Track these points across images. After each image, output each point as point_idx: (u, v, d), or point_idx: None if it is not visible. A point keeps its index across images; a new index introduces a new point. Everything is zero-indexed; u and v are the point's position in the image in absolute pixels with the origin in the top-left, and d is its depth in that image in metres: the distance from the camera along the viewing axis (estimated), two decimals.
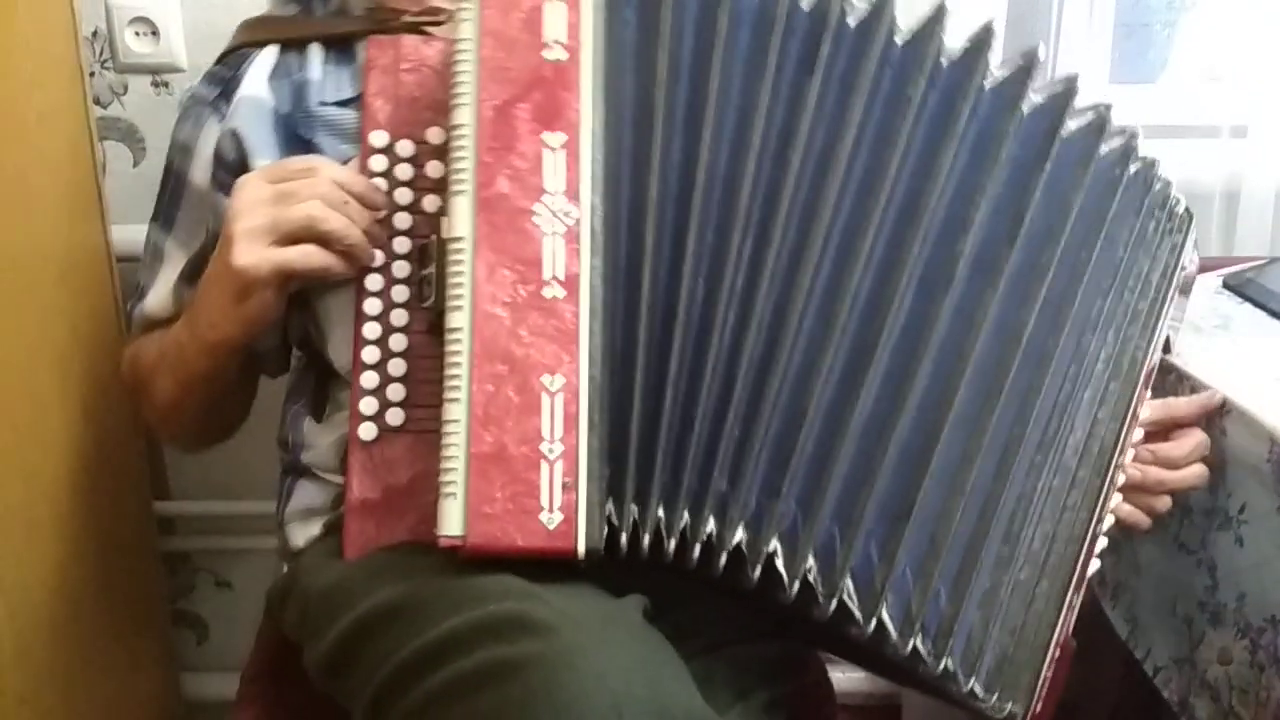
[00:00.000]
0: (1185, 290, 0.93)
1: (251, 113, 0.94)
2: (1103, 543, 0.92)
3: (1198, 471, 0.95)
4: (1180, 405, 0.95)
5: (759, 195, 0.78)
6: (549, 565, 0.74)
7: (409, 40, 0.87)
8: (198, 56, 1.32)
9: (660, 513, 0.76)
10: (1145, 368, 0.89)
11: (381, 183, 0.84)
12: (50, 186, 1.19)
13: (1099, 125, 0.83)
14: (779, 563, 0.77)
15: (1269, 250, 1.35)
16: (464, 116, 0.77)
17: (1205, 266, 1.27)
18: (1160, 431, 0.95)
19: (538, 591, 0.71)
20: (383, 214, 0.83)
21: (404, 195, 0.85)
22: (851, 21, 0.79)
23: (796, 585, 0.76)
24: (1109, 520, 0.91)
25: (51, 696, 1.18)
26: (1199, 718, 0.99)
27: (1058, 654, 0.87)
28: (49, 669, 1.18)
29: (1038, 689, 0.85)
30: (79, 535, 1.23)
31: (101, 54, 1.32)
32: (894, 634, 0.78)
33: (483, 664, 0.68)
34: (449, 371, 0.74)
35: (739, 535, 0.76)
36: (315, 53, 0.96)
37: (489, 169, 0.76)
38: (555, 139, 0.76)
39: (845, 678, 1.59)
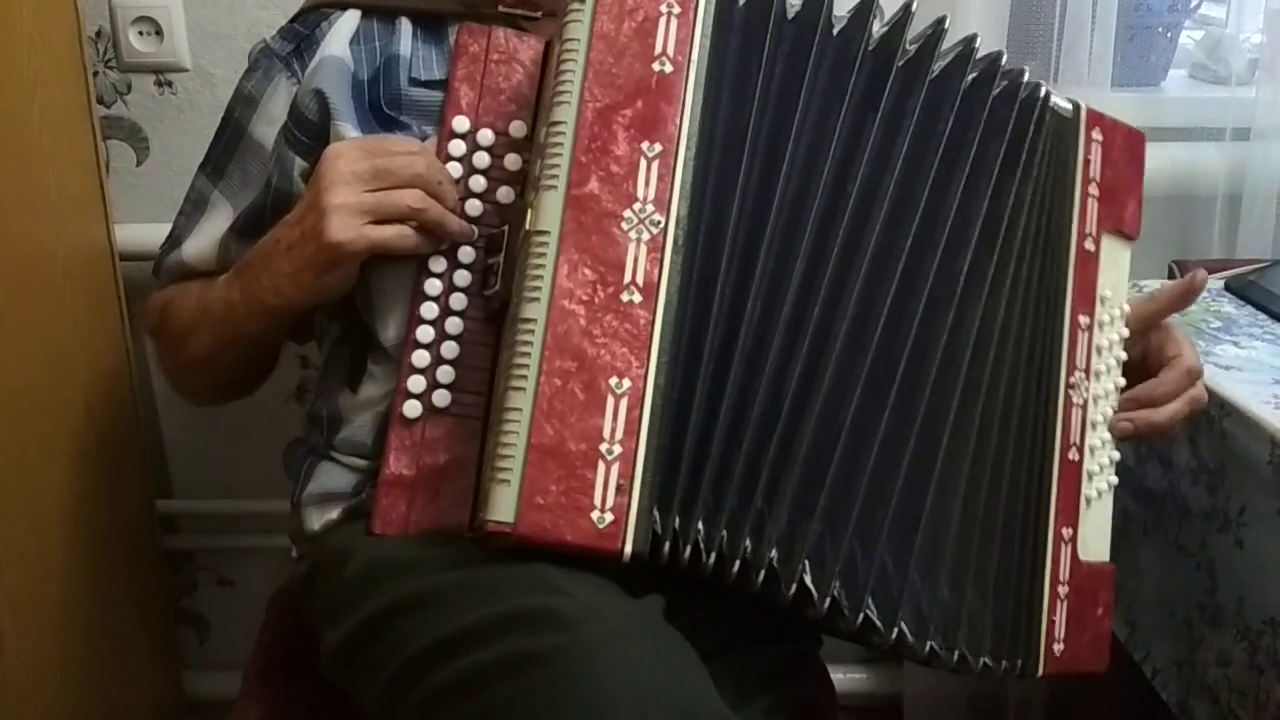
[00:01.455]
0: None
1: (334, 74, 0.93)
2: (1102, 458, 0.91)
3: (1191, 399, 0.92)
4: (1163, 295, 0.95)
5: (816, 224, 0.81)
6: (576, 562, 0.74)
7: (501, 32, 0.89)
8: (201, 56, 1.33)
9: (700, 526, 0.77)
10: (1070, 289, 0.89)
11: (457, 168, 0.87)
12: (53, 186, 1.19)
13: (1040, 120, 0.88)
14: (808, 580, 0.78)
15: (1271, 253, 1.35)
16: (564, 114, 0.78)
17: (1207, 269, 1.28)
18: (1154, 355, 0.95)
19: (563, 587, 0.72)
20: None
21: (478, 183, 0.87)
22: (900, 61, 0.83)
23: (827, 602, 0.79)
24: (1096, 438, 0.90)
25: (54, 694, 1.18)
26: None
27: (1066, 590, 0.87)
28: (52, 666, 1.18)
29: (1042, 632, 0.86)
30: (82, 533, 1.24)
31: (105, 53, 1.32)
32: (911, 638, 0.81)
33: (505, 655, 0.69)
34: (517, 360, 0.75)
35: (773, 553, 0.78)
36: (405, 27, 0.96)
37: (583, 169, 0.77)
38: (652, 149, 0.78)
39: (846, 678, 1.59)
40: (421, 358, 0.85)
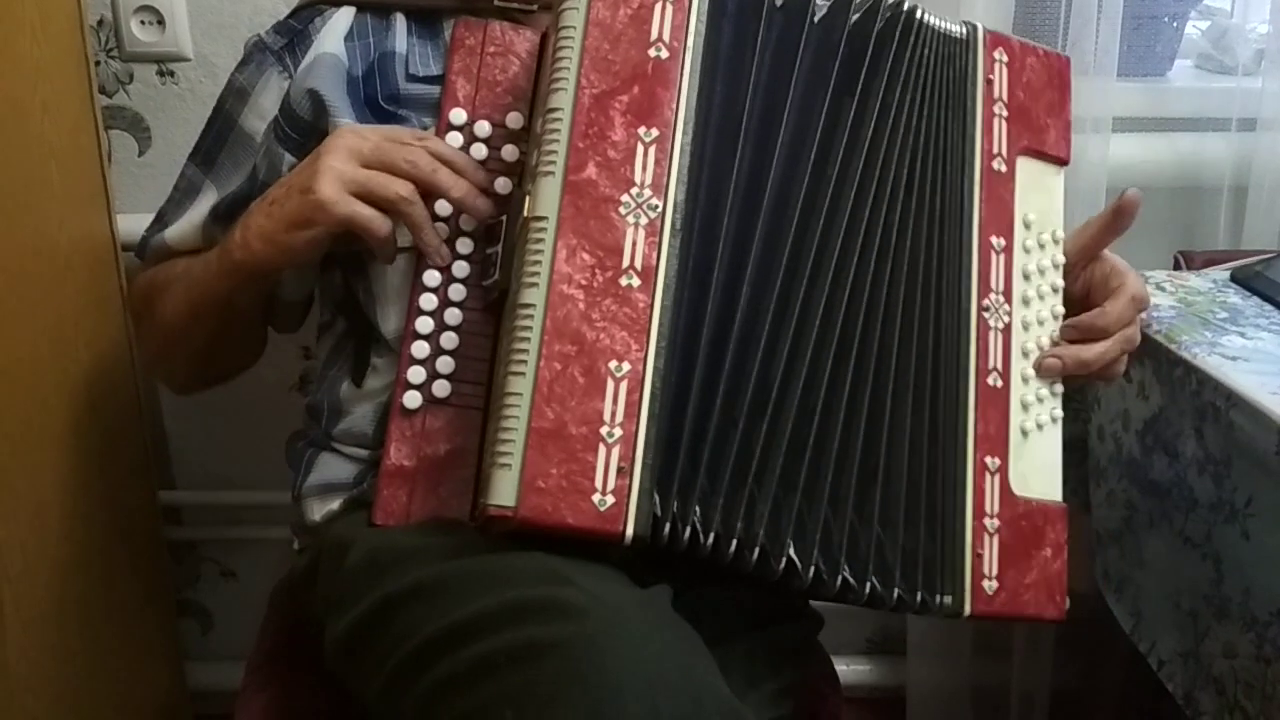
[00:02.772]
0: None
1: (328, 72, 0.94)
2: (1041, 390, 0.88)
3: (1124, 339, 0.90)
4: (1095, 220, 0.93)
5: (802, 207, 0.82)
6: (581, 548, 0.75)
7: (498, 25, 0.89)
8: (203, 45, 1.32)
9: (697, 508, 0.78)
10: (977, 209, 0.88)
11: None
12: (55, 175, 1.19)
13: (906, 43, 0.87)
14: (793, 553, 0.79)
15: (1277, 244, 1.34)
16: (561, 101, 0.78)
17: (1213, 260, 1.28)
18: (1098, 288, 0.93)
19: (570, 576, 0.72)
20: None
21: None
22: (870, 45, 0.85)
23: (811, 572, 0.80)
24: (1031, 367, 0.88)
25: (56, 685, 1.18)
26: (1204, 711, 0.99)
27: (996, 524, 0.85)
28: (54, 658, 1.18)
29: (967, 566, 0.84)
30: (84, 525, 1.24)
31: (107, 43, 1.32)
32: (880, 589, 0.82)
33: (512, 644, 0.69)
34: (516, 346, 0.75)
35: (763, 531, 0.78)
36: (400, 23, 0.96)
37: (581, 154, 0.77)
38: (649, 134, 0.78)
39: (849, 670, 1.60)
40: (421, 348, 0.85)
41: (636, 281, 0.76)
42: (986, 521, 0.85)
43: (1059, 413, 0.90)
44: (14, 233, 1.11)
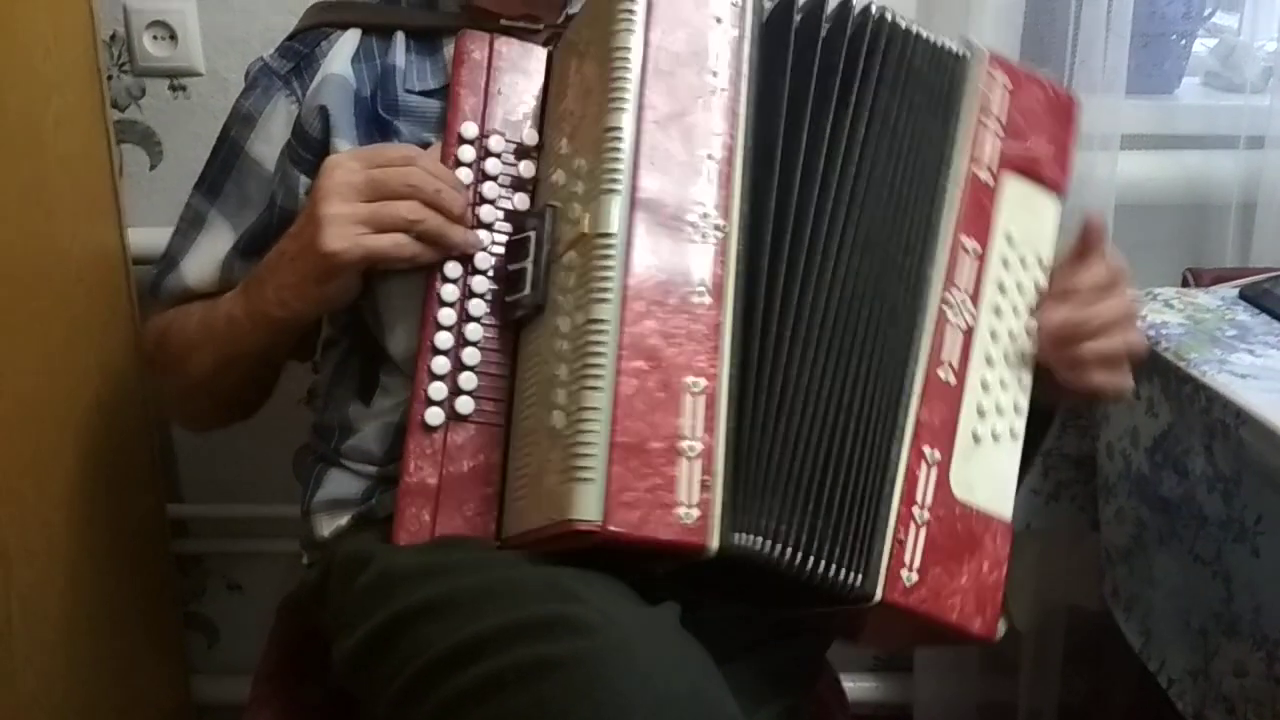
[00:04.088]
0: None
1: (337, 92, 0.94)
2: (1001, 399, 0.87)
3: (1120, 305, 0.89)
4: (1068, 256, 0.90)
5: (814, 223, 0.82)
6: (588, 564, 0.75)
7: (503, 40, 0.90)
8: (215, 60, 1.33)
9: (763, 520, 0.78)
10: (951, 206, 0.87)
11: (467, 173, 0.87)
12: (67, 189, 1.20)
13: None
14: (825, 555, 0.79)
15: None
16: (621, 121, 0.79)
17: (1221, 277, 1.28)
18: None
19: (579, 593, 0.72)
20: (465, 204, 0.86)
21: (490, 189, 0.87)
22: (863, 59, 0.85)
23: (833, 570, 0.79)
24: (993, 377, 0.87)
25: (63, 697, 1.18)
26: None
27: (926, 516, 0.83)
28: (61, 670, 1.18)
29: (885, 549, 0.81)
30: (91, 537, 1.24)
31: (119, 57, 1.33)
32: (859, 583, 0.80)
33: (523, 661, 0.69)
34: (590, 361, 0.75)
35: (806, 534, 0.78)
36: (399, 40, 0.97)
37: (645, 173, 0.78)
38: (713, 155, 0.80)
39: (856, 687, 1.59)
40: (441, 364, 0.85)
41: (708, 299, 0.77)
42: (915, 510, 0.83)
43: (1020, 429, 0.88)
44: (26, 244, 1.11)
